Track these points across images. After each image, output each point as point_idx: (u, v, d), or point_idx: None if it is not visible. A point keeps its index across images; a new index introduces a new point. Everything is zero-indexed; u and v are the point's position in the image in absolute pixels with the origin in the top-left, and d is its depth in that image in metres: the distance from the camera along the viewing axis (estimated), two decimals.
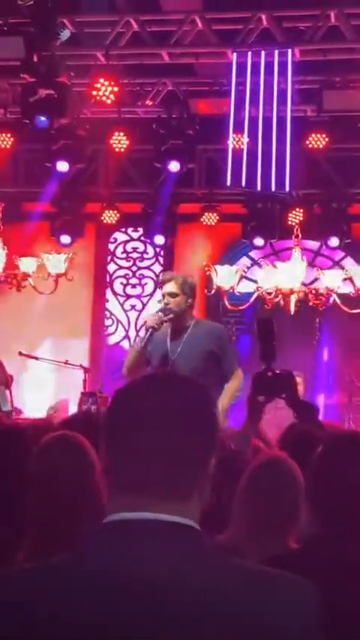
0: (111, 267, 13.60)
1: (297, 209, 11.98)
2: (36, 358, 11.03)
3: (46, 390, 12.10)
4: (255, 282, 10.98)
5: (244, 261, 12.75)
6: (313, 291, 10.65)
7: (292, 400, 4.09)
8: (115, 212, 12.56)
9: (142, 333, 6.43)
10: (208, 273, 10.90)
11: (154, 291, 13.36)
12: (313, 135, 10.64)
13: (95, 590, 1.45)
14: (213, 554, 1.52)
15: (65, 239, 12.46)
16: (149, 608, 1.42)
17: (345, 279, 10.98)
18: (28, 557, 2.64)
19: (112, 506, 1.55)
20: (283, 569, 1.57)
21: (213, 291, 10.90)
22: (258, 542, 2.87)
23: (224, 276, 10.77)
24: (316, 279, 11.03)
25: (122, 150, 11.12)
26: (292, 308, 10.25)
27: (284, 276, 10.45)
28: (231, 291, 10.77)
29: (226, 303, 10.98)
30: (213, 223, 12.52)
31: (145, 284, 13.48)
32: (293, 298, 10.30)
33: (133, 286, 13.53)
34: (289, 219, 11.90)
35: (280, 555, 2.59)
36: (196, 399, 1.62)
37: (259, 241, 12.14)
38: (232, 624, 1.42)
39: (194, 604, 1.43)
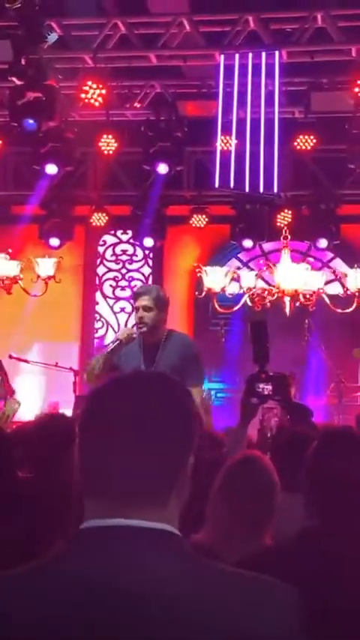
0: (100, 270, 13.60)
1: (285, 210, 12.01)
2: (26, 361, 11.00)
3: (37, 393, 12.08)
4: (239, 283, 10.98)
5: (234, 262, 12.76)
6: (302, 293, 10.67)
7: (286, 402, 4.09)
8: (104, 215, 12.56)
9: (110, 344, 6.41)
10: (198, 274, 10.89)
11: None
12: (301, 136, 10.69)
13: (70, 599, 1.42)
14: (194, 561, 1.49)
15: (54, 242, 12.45)
16: (126, 616, 1.40)
17: (330, 281, 11.00)
18: None
19: (88, 512, 1.50)
20: (273, 564, 1.56)
21: (204, 294, 10.89)
22: (234, 539, 2.88)
23: (215, 278, 10.76)
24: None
25: (111, 152, 11.14)
26: (288, 309, 10.25)
27: (286, 277, 10.43)
28: (221, 292, 10.76)
29: (216, 305, 10.98)
30: (202, 225, 12.53)
31: (135, 286, 13.46)
32: (288, 300, 10.30)
33: (123, 288, 13.52)
34: (278, 220, 11.93)
35: (268, 550, 2.59)
36: (172, 398, 1.56)
37: (247, 243, 12.17)
38: (213, 629, 1.40)
39: (174, 610, 1.40)
